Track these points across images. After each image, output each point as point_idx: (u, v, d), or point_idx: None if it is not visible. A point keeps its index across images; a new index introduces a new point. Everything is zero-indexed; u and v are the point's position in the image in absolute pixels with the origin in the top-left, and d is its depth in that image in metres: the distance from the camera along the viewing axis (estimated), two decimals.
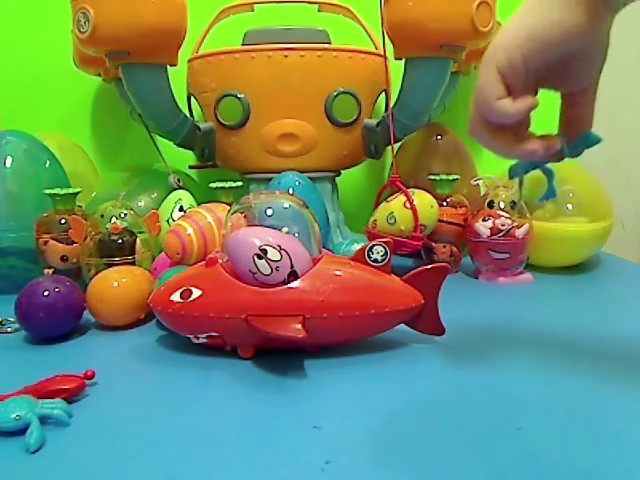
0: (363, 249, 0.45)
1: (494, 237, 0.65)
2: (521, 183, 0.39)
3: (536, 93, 0.35)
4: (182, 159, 0.79)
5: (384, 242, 0.45)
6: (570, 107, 0.36)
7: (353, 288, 0.44)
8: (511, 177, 0.39)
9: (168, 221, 0.63)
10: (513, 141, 0.34)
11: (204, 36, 0.76)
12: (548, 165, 0.37)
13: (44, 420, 0.34)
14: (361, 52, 0.71)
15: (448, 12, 0.62)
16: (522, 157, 0.35)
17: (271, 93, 0.69)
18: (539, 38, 0.31)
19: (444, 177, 0.70)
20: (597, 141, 0.36)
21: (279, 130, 0.70)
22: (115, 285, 0.51)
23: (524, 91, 0.33)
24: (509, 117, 0.33)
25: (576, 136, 0.36)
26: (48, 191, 0.61)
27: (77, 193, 0.62)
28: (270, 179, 0.67)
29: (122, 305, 0.51)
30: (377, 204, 0.70)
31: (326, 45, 0.70)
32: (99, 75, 0.82)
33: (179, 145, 0.74)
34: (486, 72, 0.33)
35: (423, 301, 0.45)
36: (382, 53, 0.69)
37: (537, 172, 0.38)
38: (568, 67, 0.33)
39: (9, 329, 0.52)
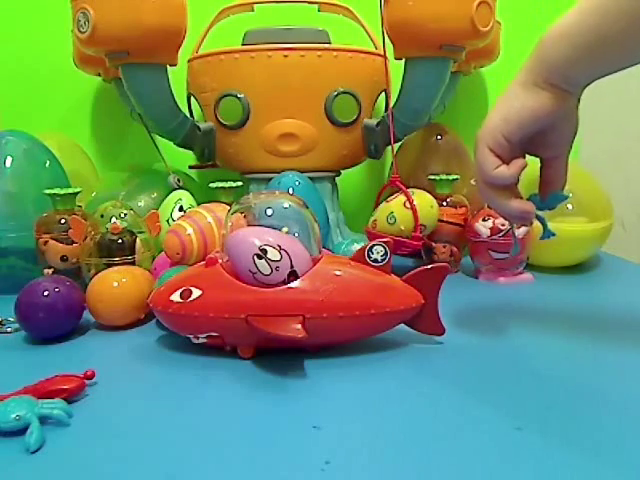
0: (363, 249, 0.45)
1: (494, 237, 0.65)
2: (513, 235, 0.50)
3: (524, 157, 0.44)
4: (182, 159, 0.79)
5: (384, 242, 0.45)
6: (546, 169, 0.45)
7: (353, 288, 0.44)
8: (511, 226, 0.50)
9: (168, 221, 0.62)
10: (510, 196, 0.43)
11: (204, 36, 0.76)
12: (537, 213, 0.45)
13: (44, 420, 0.34)
14: (361, 52, 0.71)
15: (448, 12, 0.62)
16: (519, 215, 0.44)
17: (271, 93, 0.69)
18: (513, 121, 0.40)
19: (444, 177, 0.70)
20: (564, 198, 0.45)
21: (279, 130, 0.70)
22: (115, 285, 0.51)
23: (513, 158, 0.42)
24: (507, 180, 0.42)
25: (549, 193, 0.45)
26: (48, 191, 0.61)
27: (77, 193, 0.62)
28: (270, 179, 0.67)
29: (122, 305, 0.51)
30: (377, 204, 0.70)
31: (326, 45, 0.70)
32: (99, 75, 0.82)
33: (179, 145, 0.74)
34: (480, 152, 0.42)
35: (423, 301, 0.45)
36: (382, 53, 0.69)
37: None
38: (543, 138, 0.42)
39: (9, 329, 0.52)
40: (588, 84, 0.40)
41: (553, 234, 0.47)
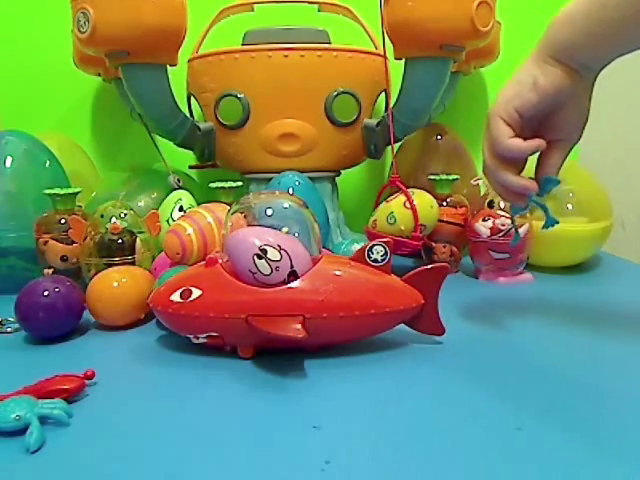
0: (363, 249, 0.45)
1: (494, 237, 0.65)
2: (514, 224, 0.50)
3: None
4: (182, 159, 0.79)
5: (384, 242, 0.45)
6: (547, 151, 0.45)
7: (353, 288, 0.44)
8: (512, 214, 0.50)
9: (168, 221, 0.62)
10: (513, 172, 0.44)
11: (204, 36, 0.76)
12: (538, 200, 0.45)
13: (44, 420, 0.34)
14: (361, 52, 0.71)
15: (448, 12, 0.62)
16: (520, 191, 0.44)
17: (271, 93, 0.69)
18: (524, 95, 0.41)
19: (444, 177, 0.70)
20: (557, 183, 0.45)
21: (279, 130, 0.70)
22: (115, 285, 0.51)
23: (524, 136, 0.43)
24: (521, 151, 0.43)
25: (541, 177, 0.45)
26: (48, 191, 0.61)
27: (77, 193, 0.62)
28: (270, 179, 0.67)
29: (122, 305, 0.51)
30: (377, 204, 0.70)
31: (326, 45, 0.70)
32: (99, 75, 0.82)
33: (179, 145, 0.74)
34: (494, 123, 0.43)
35: (423, 301, 0.45)
36: (382, 53, 0.69)
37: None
38: (551, 119, 0.43)
39: (9, 329, 0.52)
40: (601, 69, 0.41)
41: (557, 221, 0.47)
